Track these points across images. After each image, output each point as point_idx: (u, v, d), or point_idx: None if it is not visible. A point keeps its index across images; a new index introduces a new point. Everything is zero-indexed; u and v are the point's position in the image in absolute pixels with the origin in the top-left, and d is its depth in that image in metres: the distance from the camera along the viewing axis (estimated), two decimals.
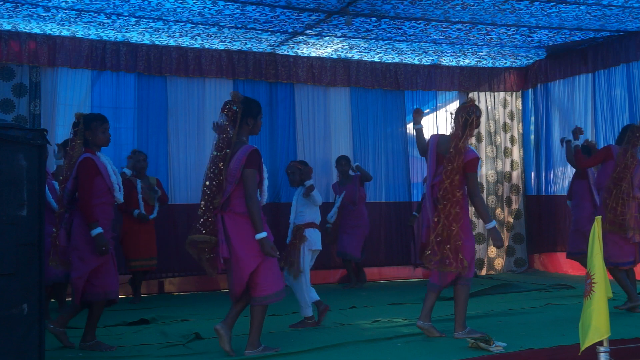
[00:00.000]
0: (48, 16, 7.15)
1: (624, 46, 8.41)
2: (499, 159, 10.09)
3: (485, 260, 9.74)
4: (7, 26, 7.51)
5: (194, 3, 6.75)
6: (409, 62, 9.61)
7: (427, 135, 5.47)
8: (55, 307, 6.73)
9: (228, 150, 4.51)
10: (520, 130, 10.26)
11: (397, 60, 9.49)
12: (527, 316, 5.97)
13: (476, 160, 5.02)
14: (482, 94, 10.10)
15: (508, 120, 10.23)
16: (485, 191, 9.88)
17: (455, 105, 10.03)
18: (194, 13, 7.10)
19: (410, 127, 9.83)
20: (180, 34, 7.99)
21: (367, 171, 8.88)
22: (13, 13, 7.04)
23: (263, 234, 4.44)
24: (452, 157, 4.93)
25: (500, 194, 10.00)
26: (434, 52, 9.15)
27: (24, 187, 3.65)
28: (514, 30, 8.08)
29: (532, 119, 10.07)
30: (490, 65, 9.98)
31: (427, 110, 10.06)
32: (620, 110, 8.58)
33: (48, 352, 4.01)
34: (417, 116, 5.50)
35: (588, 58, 8.98)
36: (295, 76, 9.02)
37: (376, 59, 9.42)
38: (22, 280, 3.61)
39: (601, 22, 7.80)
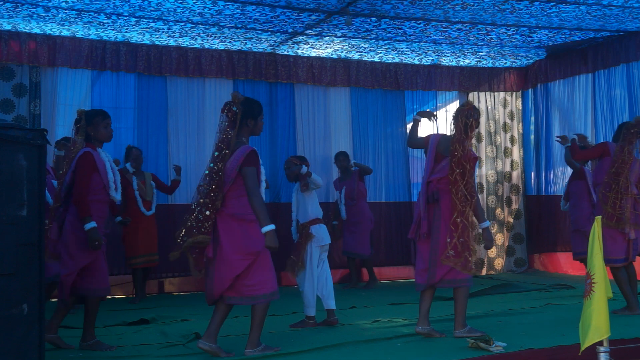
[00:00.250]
0: (48, 16, 7.15)
1: (624, 46, 8.41)
2: (499, 159, 10.09)
3: (485, 260, 9.74)
4: (7, 26, 7.51)
5: (194, 3, 6.75)
6: (409, 62, 9.61)
7: (423, 133, 5.52)
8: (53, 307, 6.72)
9: (227, 151, 4.50)
10: (520, 130, 10.26)
11: (397, 60, 9.49)
12: (527, 316, 5.97)
13: (475, 160, 5.09)
14: (482, 94, 10.10)
15: (508, 120, 10.23)
16: (485, 191, 9.88)
17: (455, 105, 10.04)
18: (194, 13, 7.10)
19: (410, 127, 9.81)
20: (180, 34, 7.99)
21: (367, 166, 8.85)
22: (13, 13, 7.04)
23: (270, 227, 4.39)
24: (460, 160, 4.96)
25: (500, 194, 10.00)
26: (434, 52, 9.15)
27: (24, 187, 3.64)
28: (514, 30, 8.08)
29: (532, 119, 10.07)
30: (490, 65, 9.98)
31: (433, 109, 10.07)
32: (620, 110, 8.58)
33: (48, 352, 4.01)
34: (424, 113, 5.54)
35: (588, 58, 8.98)
36: (295, 76, 9.02)
37: (376, 59, 9.42)
38: (22, 280, 3.61)
39: (601, 22, 7.80)
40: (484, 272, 9.67)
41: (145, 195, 7.61)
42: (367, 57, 9.35)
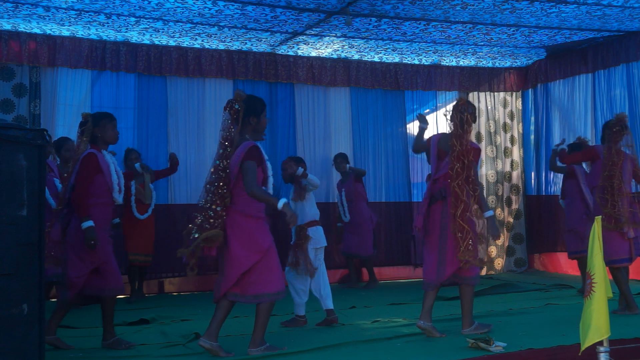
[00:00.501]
0: (48, 16, 7.15)
1: (624, 46, 8.41)
2: (499, 159, 10.09)
3: (485, 259, 9.72)
4: (7, 26, 7.51)
5: (194, 3, 6.75)
6: (409, 62, 9.61)
7: (427, 134, 5.64)
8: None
9: (230, 148, 4.51)
10: (520, 130, 10.26)
11: (397, 60, 9.49)
12: (527, 316, 5.97)
13: (478, 151, 5.22)
14: (482, 94, 10.10)
15: (508, 120, 10.23)
16: (485, 191, 9.88)
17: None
18: (194, 13, 7.10)
19: (410, 127, 9.83)
20: (180, 34, 7.99)
21: (361, 168, 8.83)
22: (13, 13, 7.04)
23: (283, 200, 4.44)
24: (459, 155, 5.02)
25: (500, 194, 10.00)
26: (434, 52, 9.15)
27: (24, 187, 3.64)
28: (514, 30, 8.08)
29: (532, 119, 10.07)
30: (490, 65, 9.98)
31: (427, 111, 10.06)
32: (620, 110, 8.55)
33: (48, 352, 4.01)
34: (422, 118, 5.60)
35: (588, 58, 8.98)
36: (295, 76, 9.02)
37: (376, 59, 9.42)
38: (22, 280, 3.61)
39: (601, 22, 7.80)
40: (484, 272, 9.66)
41: (144, 199, 7.58)
42: (367, 57, 9.35)
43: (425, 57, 9.41)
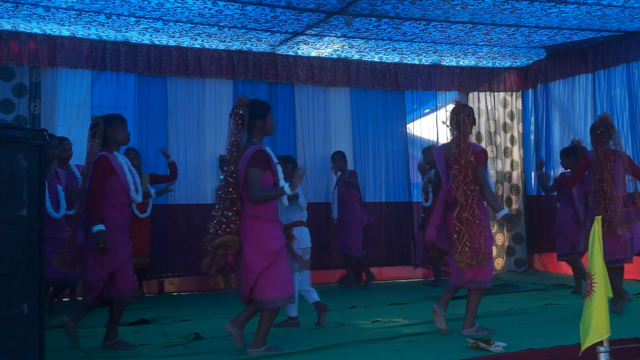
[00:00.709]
0: (48, 16, 7.15)
1: (624, 46, 8.41)
2: (499, 159, 10.09)
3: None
4: (7, 26, 7.51)
5: (194, 3, 6.75)
6: (409, 62, 9.61)
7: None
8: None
9: (237, 153, 4.55)
10: (520, 130, 10.26)
11: (397, 60, 9.49)
12: (527, 316, 5.98)
13: (483, 152, 5.21)
14: (482, 94, 10.10)
15: (508, 120, 10.23)
16: None
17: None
18: (194, 13, 7.10)
19: (410, 127, 9.84)
20: (180, 34, 7.99)
21: (352, 180, 8.59)
22: (13, 13, 7.04)
23: (286, 184, 4.50)
24: (458, 155, 5.08)
25: (500, 194, 10.00)
26: (434, 52, 9.15)
27: (24, 187, 3.64)
28: (514, 30, 8.08)
29: (532, 119, 10.07)
30: (490, 65, 9.98)
31: (427, 110, 10.07)
32: (620, 110, 8.58)
33: (48, 352, 4.01)
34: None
35: (588, 58, 8.97)
36: (295, 76, 9.02)
37: (376, 59, 9.42)
38: (22, 280, 3.61)
39: (601, 22, 7.80)
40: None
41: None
42: (367, 57, 9.35)
43: (425, 57, 9.41)
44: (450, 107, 5.47)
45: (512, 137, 10.21)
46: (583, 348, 3.54)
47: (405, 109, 9.78)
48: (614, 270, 5.97)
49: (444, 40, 8.47)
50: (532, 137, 10.06)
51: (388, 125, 9.68)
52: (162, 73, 8.42)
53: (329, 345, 4.81)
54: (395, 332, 5.33)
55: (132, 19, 7.29)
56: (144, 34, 7.96)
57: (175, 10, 6.98)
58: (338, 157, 8.69)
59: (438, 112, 10.00)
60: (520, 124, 10.28)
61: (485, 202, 5.17)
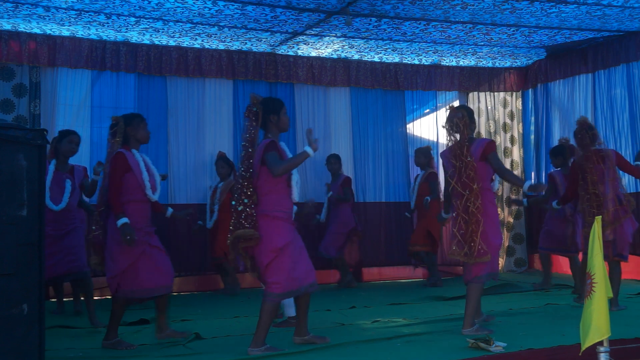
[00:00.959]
0: (48, 16, 7.15)
1: (624, 46, 8.41)
2: None
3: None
4: (7, 26, 7.51)
5: (194, 3, 6.75)
6: (409, 62, 9.61)
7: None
8: (54, 309, 6.73)
9: (251, 150, 4.61)
10: (520, 130, 10.26)
11: (397, 60, 9.49)
12: (527, 316, 5.97)
13: (490, 142, 5.32)
14: (482, 94, 10.10)
15: (508, 120, 10.23)
16: None
17: (455, 105, 10.03)
18: (194, 13, 7.10)
19: (410, 127, 9.84)
20: (180, 34, 7.99)
21: (343, 196, 8.55)
22: (13, 13, 7.04)
23: (306, 148, 4.59)
24: (460, 155, 5.15)
25: (500, 194, 9.99)
26: (434, 52, 9.15)
27: (24, 187, 3.64)
28: (514, 30, 8.08)
29: (532, 119, 10.07)
30: (490, 65, 9.98)
31: (427, 110, 10.07)
32: (620, 110, 8.58)
33: (48, 352, 4.01)
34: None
35: (588, 58, 8.98)
36: (295, 76, 9.02)
37: (376, 59, 9.42)
38: (22, 280, 3.61)
39: (601, 22, 7.80)
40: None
41: None
42: (367, 57, 9.35)
43: (425, 57, 9.41)
44: (459, 103, 5.57)
45: (512, 137, 10.21)
46: (583, 348, 3.53)
47: (405, 109, 9.79)
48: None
49: (444, 40, 8.47)
50: (532, 137, 10.06)
51: (388, 125, 9.68)
52: (162, 73, 8.42)
53: (329, 345, 4.81)
54: (395, 332, 5.33)
55: (132, 19, 7.29)
56: (144, 34, 7.96)
57: (175, 10, 6.98)
58: (333, 160, 8.67)
59: (438, 112, 9.99)
60: (520, 124, 10.28)
61: (488, 200, 5.22)
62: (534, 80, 9.95)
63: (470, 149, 5.20)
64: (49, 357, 4.03)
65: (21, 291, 3.60)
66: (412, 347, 4.78)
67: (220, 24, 7.55)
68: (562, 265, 9.46)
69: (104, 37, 8.03)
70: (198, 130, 8.63)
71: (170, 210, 5.55)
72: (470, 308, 5.16)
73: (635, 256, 8.36)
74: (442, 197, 8.35)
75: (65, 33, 7.82)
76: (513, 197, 8.78)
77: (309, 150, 4.60)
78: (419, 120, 9.96)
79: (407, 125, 9.81)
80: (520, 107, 10.29)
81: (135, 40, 8.18)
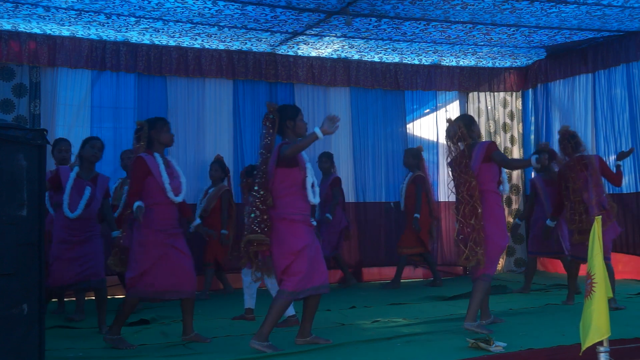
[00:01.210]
0: (48, 16, 7.15)
1: (624, 46, 8.41)
2: None
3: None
4: (7, 26, 7.51)
5: (194, 3, 6.75)
6: (409, 62, 9.61)
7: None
8: (55, 308, 6.73)
9: (269, 155, 4.73)
10: (520, 130, 10.26)
11: (397, 60, 9.49)
12: (527, 316, 5.98)
13: (491, 143, 5.45)
14: (482, 94, 10.10)
15: (508, 120, 10.23)
16: None
17: (454, 105, 10.05)
18: (194, 13, 7.10)
19: (410, 127, 9.83)
20: (180, 34, 7.99)
21: (331, 206, 8.51)
22: (13, 13, 7.04)
23: (315, 129, 4.59)
24: (461, 166, 5.32)
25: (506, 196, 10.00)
26: (434, 52, 9.15)
27: (24, 187, 3.64)
28: (514, 30, 8.08)
29: (532, 119, 10.06)
30: (490, 65, 9.98)
31: (427, 110, 10.06)
32: (620, 110, 8.58)
33: (48, 352, 4.01)
34: None
35: (588, 58, 8.97)
36: (295, 76, 9.02)
37: (376, 59, 9.42)
38: (22, 280, 3.61)
39: (601, 22, 7.80)
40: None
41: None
42: (367, 57, 9.35)
43: (425, 57, 9.41)
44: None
45: (512, 137, 10.20)
46: (583, 348, 3.53)
47: (405, 109, 9.78)
48: (574, 266, 6.56)
49: (444, 40, 8.47)
50: (532, 137, 10.05)
51: (388, 125, 9.67)
52: (162, 73, 8.42)
53: (329, 346, 4.81)
54: (395, 332, 5.33)
55: (132, 19, 7.29)
56: (144, 34, 7.96)
57: (175, 10, 6.98)
58: (325, 159, 8.63)
59: (438, 112, 9.99)
60: (520, 124, 10.28)
61: (494, 202, 5.41)
62: (534, 80, 9.95)
63: (472, 154, 5.34)
64: (49, 357, 4.03)
65: (21, 291, 3.61)
66: (412, 347, 4.78)
67: (220, 24, 7.55)
68: (563, 265, 9.47)
69: (104, 37, 8.03)
70: (198, 130, 8.63)
71: (197, 221, 5.44)
72: (474, 303, 5.23)
73: (635, 256, 8.37)
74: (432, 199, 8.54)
75: (65, 33, 7.82)
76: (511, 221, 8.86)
77: (317, 131, 4.61)
78: (419, 120, 9.96)
79: (407, 125, 9.81)
80: (520, 107, 10.29)
81: (135, 40, 8.18)
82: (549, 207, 7.15)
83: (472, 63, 9.85)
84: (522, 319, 5.80)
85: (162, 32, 7.86)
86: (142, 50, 8.26)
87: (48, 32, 7.75)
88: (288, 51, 8.90)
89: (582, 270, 6.58)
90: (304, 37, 8.21)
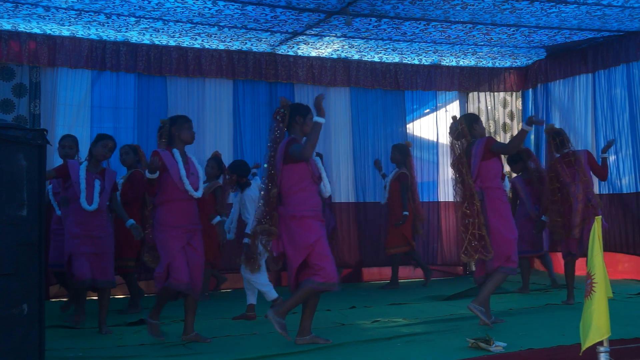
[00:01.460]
0: (48, 16, 7.15)
1: (624, 46, 8.41)
2: None
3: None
4: (7, 26, 7.51)
5: (194, 3, 6.75)
6: (409, 62, 9.61)
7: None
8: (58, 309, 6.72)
9: (276, 147, 4.84)
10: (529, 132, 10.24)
11: (397, 60, 9.49)
12: (527, 316, 5.98)
13: (489, 138, 5.57)
14: (482, 94, 10.10)
15: (508, 120, 10.23)
16: None
17: (455, 105, 10.05)
18: (194, 13, 7.10)
19: (410, 127, 9.83)
20: (180, 34, 7.99)
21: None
22: (13, 13, 7.04)
23: (315, 117, 4.77)
24: (464, 167, 5.44)
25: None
26: (434, 52, 9.15)
27: (24, 187, 3.64)
28: (514, 30, 8.08)
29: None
30: (490, 65, 9.98)
31: (427, 110, 10.06)
32: (620, 110, 8.58)
33: (48, 352, 4.01)
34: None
35: (588, 58, 8.97)
36: (295, 76, 9.02)
37: (376, 59, 9.42)
38: (22, 280, 3.61)
39: (601, 22, 7.80)
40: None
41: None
42: (367, 57, 9.35)
43: (425, 57, 9.41)
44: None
45: (512, 137, 10.20)
46: (583, 348, 3.53)
47: (405, 109, 9.78)
48: (570, 265, 6.68)
49: (444, 40, 8.47)
50: (532, 137, 10.04)
51: (388, 125, 9.67)
52: (162, 73, 8.42)
53: (329, 345, 4.81)
54: (395, 332, 5.33)
55: (132, 19, 7.29)
56: (144, 34, 7.96)
57: (175, 10, 6.98)
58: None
59: (438, 112, 9.99)
60: (520, 124, 10.27)
61: (497, 197, 5.46)
62: (534, 80, 9.95)
63: (472, 151, 5.45)
64: (49, 357, 4.03)
65: (21, 291, 3.61)
66: (412, 347, 4.78)
67: (220, 24, 7.55)
68: (563, 265, 9.46)
69: (104, 37, 8.03)
70: (198, 130, 8.50)
71: (217, 218, 5.43)
72: (486, 290, 5.43)
73: (635, 256, 8.37)
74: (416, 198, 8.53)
75: (65, 33, 7.82)
76: None
77: (318, 119, 4.73)
78: (419, 120, 9.96)
79: (407, 125, 9.81)
80: (520, 107, 10.29)
81: (135, 40, 8.18)
82: (530, 206, 7.27)
83: (472, 63, 9.85)
84: (522, 319, 5.80)
85: (162, 32, 7.86)
86: (142, 50, 8.26)
87: (48, 32, 7.75)
88: (288, 51, 8.90)
89: (582, 270, 6.67)
90: (304, 37, 8.22)
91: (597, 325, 3.46)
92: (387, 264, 9.40)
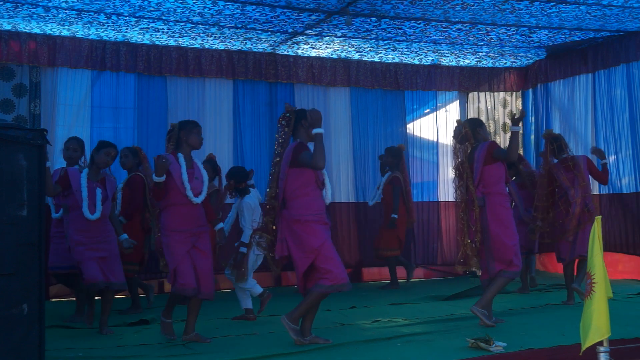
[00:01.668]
0: (48, 16, 7.15)
1: (624, 46, 8.41)
2: None
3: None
4: (7, 26, 7.51)
5: (194, 3, 6.75)
6: (409, 62, 9.61)
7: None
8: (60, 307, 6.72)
9: (282, 151, 4.87)
10: (520, 131, 10.25)
11: (397, 60, 9.49)
12: (527, 316, 5.98)
13: (491, 143, 5.58)
14: (482, 94, 10.10)
15: (508, 121, 10.22)
16: None
17: (455, 105, 10.04)
18: (194, 13, 7.10)
19: (410, 127, 9.83)
20: (180, 34, 7.99)
21: None
22: (13, 13, 7.04)
23: (317, 130, 4.73)
24: (465, 172, 5.49)
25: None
26: (434, 52, 9.15)
27: (24, 187, 3.64)
28: (514, 30, 8.08)
29: (532, 119, 10.06)
30: (490, 65, 9.98)
31: (427, 110, 10.06)
32: (620, 110, 8.58)
33: (48, 352, 4.01)
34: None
35: (588, 58, 8.98)
36: (295, 76, 9.02)
37: (376, 59, 9.42)
38: (22, 280, 3.61)
39: (601, 22, 7.80)
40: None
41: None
42: (367, 57, 9.35)
43: (425, 57, 9.41)
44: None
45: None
46: (583, 348, 3.53)
47: (405, 109, 9.78)
48: (568, 268, 6.73)
49: (444, 40, 8.47)
50: (532, 137, 10.05)
51: (388, 125, 9.67)
52: (162, 73, 8.42)
53: (329, 345, 4.81)
54: (395, 332, 5.33)
55: (132, 19, 7.29)
56: (144, 34, 7.96)
57: (175, 10, 6.98)
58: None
59: (438, 112, 9.99)
60: (520, 124, 10.26)
61: (498, 203, 5.49)
62: (534, 80, 9.95)
63: (474, 156, 5.48)
64: (49, 357, 4.03)
65: (21, 291, 3.61)
66: (412, 347, 4.78)
67: (220, 24, 7.55)
68: (555, 266, 9.47)
69: (104, 37, 8.03)
70: None
71: (220, 225, 5.39)
72: (488, 293, 5.45)
73: (635, 256, 8.37)
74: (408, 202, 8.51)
75: (65, 33, 7.82)
76: None
77: (318, 130, 4.74)
78: (419, 120, 9.96)
79: (407, 125, 9.80)
80: (520, 107, 10.28)
81: (135, 40, 8.18)
82: (523, 210, 7.31)
83: (472, 63, 9.85)
84: (522, 319, 5.81)
85: (162, 32, 7.86)
86: (142, 50, 8.26)
87: (48, 32, 7.75)
88: (288, 51, 8.90)
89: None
90: (304, 37, 8.22)
91: (597, 325, 3.46)
92: (387, 264, 9.41)
